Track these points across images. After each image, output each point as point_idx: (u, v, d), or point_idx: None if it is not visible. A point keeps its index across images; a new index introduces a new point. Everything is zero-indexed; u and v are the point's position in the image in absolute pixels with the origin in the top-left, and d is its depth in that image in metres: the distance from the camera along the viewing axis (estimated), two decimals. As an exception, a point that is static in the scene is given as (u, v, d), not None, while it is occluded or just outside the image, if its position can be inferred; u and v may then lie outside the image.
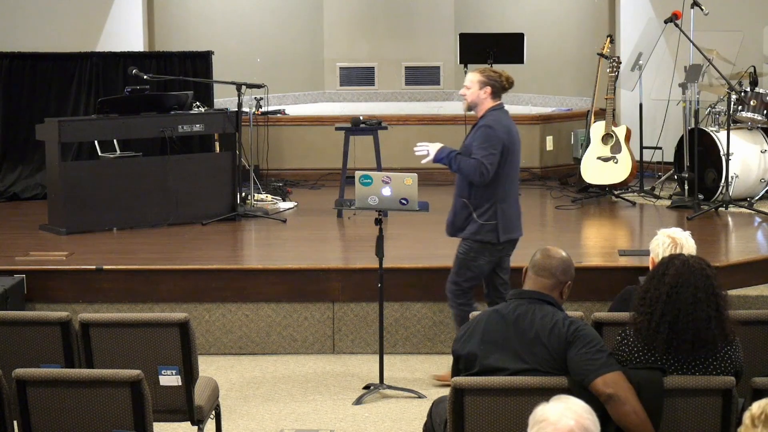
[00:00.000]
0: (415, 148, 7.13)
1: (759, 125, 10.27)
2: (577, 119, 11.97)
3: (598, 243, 9.36)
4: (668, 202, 10.31)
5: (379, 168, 9.73)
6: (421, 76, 13.81)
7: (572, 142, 11.85)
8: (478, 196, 6.97)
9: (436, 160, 7.03)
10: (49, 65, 10.97)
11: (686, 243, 5.42)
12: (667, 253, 5.24)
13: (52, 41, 11.24)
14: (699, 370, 4.49)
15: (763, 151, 10.23)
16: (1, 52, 10.94)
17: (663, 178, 10.97)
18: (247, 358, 7.84)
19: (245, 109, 10.26)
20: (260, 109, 11.51)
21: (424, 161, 7.10)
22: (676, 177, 10.60)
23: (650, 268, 5.34)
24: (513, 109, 12.55)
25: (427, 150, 7.06)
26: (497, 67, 10.98)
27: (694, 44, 10.24)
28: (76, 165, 9.97)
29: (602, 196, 10.65)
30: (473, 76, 7.05)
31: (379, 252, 6.96)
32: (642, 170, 10.89)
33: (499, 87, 7.03)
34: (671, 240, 5.41)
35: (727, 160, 9.82)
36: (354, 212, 9.29)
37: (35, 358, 5.37)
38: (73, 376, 4.80)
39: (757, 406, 3.42)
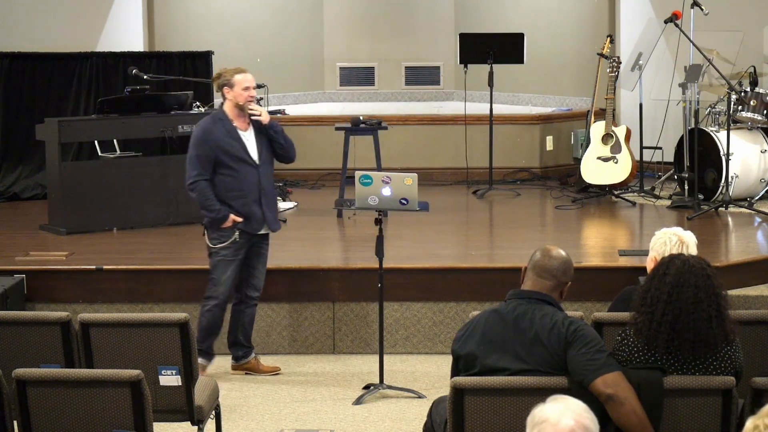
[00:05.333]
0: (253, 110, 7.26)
1: (759, 125, 10.27)
2: (577, 119, 11.98)
3: (598, 243, 9.36)
4: (668, 202, 10.31)
5: (379, 168, 9.73)
6: (421, 76, 13.82)
7: (572, 142, 11.86)
8: None
9: (270, 124, 7.20)
10: (49, 65, 10.97)
11: (690, 242, 5.41)
12: (675, 252, 5.23)
13: (52, 41, 11.24)
14: (699, 370, 4.49)
15: (763, 151, 10.23)
16: (1, 52, 10.94)
17: (663, 178, 10.97)
18: (247, 358, 7.83)
19: (245, 109, 10.25)
20: (260, 109, 11.49)
21: (258, 117, 7.20)
22: (676, 177, 10.60)
23: (648, 267, 5.33)
24: (513, 109, 12.73)
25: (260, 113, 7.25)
26: (497, 67, 11.13)
27: (694, 44, 10.24)
28: (76, 165, 9.97)
29: (602, 196, 10.65)
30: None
31: (379, 252, 6.96)
32: (642, 170, 10.89)
33: None
34: (678, 238, 5.39)
35: (727, 160, 9.81)
36: (354, 212, 9.29)
37: (35, 358, 5.36)
38: (73, 376, 4.79)
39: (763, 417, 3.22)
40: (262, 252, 7.32)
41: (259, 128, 7.23)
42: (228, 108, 7.20)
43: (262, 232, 7.26)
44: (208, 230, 7.22)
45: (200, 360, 7.18)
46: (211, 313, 7.21)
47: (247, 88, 7.15)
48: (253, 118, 7.20)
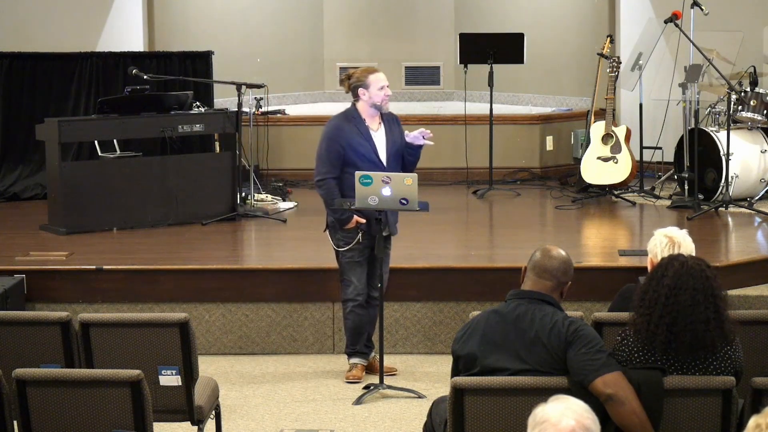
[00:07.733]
0: (428, 133, 7.24)
1: (759, 125, 10.26)
2: (577, 119, 11.97)
3: (598, 243, 9.36)
4: (668, 202, 10.31)
5: (379, 168, 9.71)
6: (421, 76, 13.81)
7: (572, 142, 11.85)
8: None
9: (421, 144, 7.29)
10: (49, 65, 10.96)
11: (683, 241, 5.40)
12: (665, 253, 5.22)
13: (52, 41, 11.24)
14: (699, 370, 4.49)
15: (763, 151, 10.23)
16: (1, 52, 10.94)
17: (663, 178, 10.97)
18: (247, 358, 7.84)
19: (245, 109, 10.26)
20: (260, 109, 11.50)
21: (426, 142, 7.26)
22: (676, 177, 10.60)
23: (648, 268, 5.33)
24: (513, 109, 12.73)
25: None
26: (497, 66, 11.13)
27: (694, 44, 10.24)
28: (76, 165, 9.97)
29: (602, 196, 10.65)
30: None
31: (380, 252, 6.96)
32: (642, 170, 10.89)
33: None
34: (668, 239, 5.39)
35: (727, 160, 9.81)
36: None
37: (35, 358, 5.36)
38: (73, 376, 4.80)
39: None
40: (385, 252, 7.25)
41: (390, 126, 7.23)
42: (362, 108, 7.17)
43: (384, 234, 7.17)
44: (333, 231, 7.21)
45: (357, 360, 7.27)
46: (354, 314, 7.23)
47: (382, 87, 7.14)
48: (421, 141, 7.21)
